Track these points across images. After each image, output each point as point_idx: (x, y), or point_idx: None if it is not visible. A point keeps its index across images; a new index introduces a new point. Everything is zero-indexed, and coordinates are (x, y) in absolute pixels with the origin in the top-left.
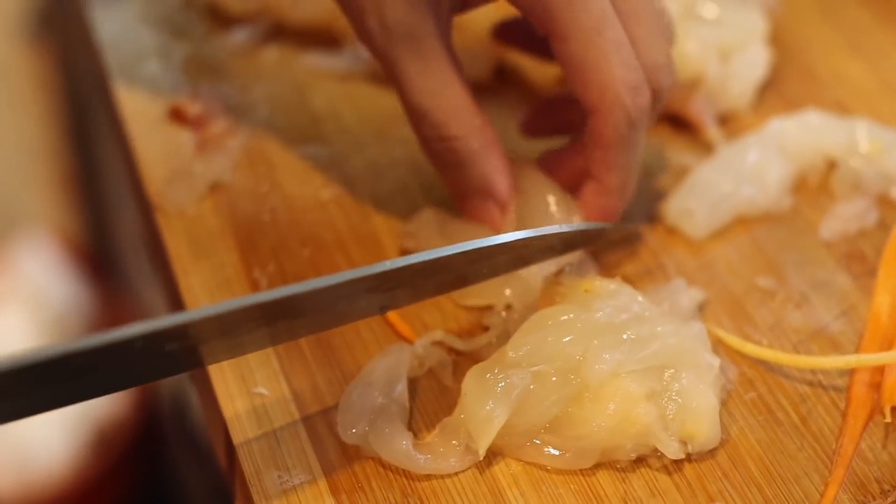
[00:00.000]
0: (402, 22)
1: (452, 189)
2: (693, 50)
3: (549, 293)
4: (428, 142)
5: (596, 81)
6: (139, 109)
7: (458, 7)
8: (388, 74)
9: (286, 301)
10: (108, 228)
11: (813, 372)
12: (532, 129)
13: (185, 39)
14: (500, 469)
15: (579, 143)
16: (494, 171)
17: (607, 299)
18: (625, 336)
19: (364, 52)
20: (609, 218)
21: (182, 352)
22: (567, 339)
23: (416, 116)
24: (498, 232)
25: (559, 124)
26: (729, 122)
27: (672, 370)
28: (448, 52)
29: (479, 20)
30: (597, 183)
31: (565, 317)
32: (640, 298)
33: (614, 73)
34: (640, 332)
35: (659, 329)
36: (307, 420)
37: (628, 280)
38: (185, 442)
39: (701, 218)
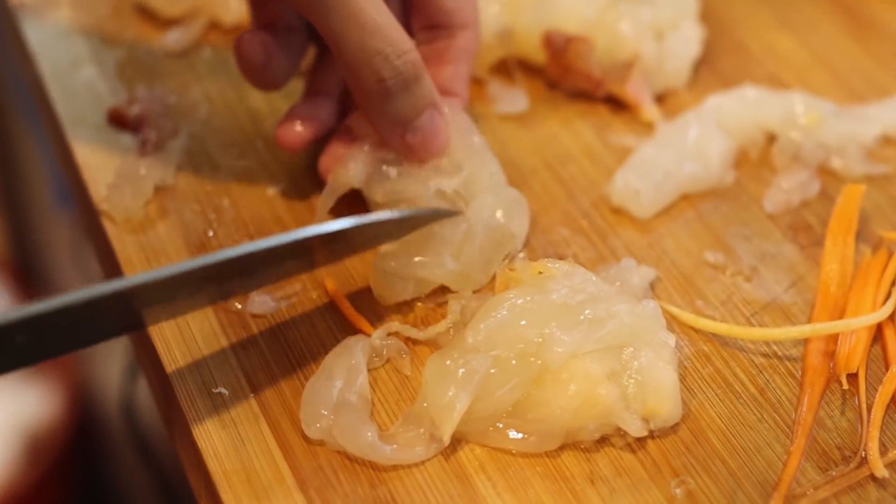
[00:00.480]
0: None
1: (406, 112)
2: (628, 30)
3: (504, 279)
4: (388, 60)
5: (461, 3)
6: (77, 116)
7: None
8: (331, 5)
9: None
10: (35, 240)
11: (767, 343)
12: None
13: (117, 45)
14: (465, 455)
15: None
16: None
17: (562, 280)
18: (581, 317)
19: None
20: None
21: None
22: (524, 321)
23: (376, 34)
24: (444, 145)
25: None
26: (666, 101)
27: (630, 349)
28: None
29: None
30: (455, 99)
31: (521, 300)
32: (594, 278)
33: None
34: (597, 311)
35: (615, 308)
36: (270, 417)
37: (578, 261)
38: (130, 446)
39: (647, 197)
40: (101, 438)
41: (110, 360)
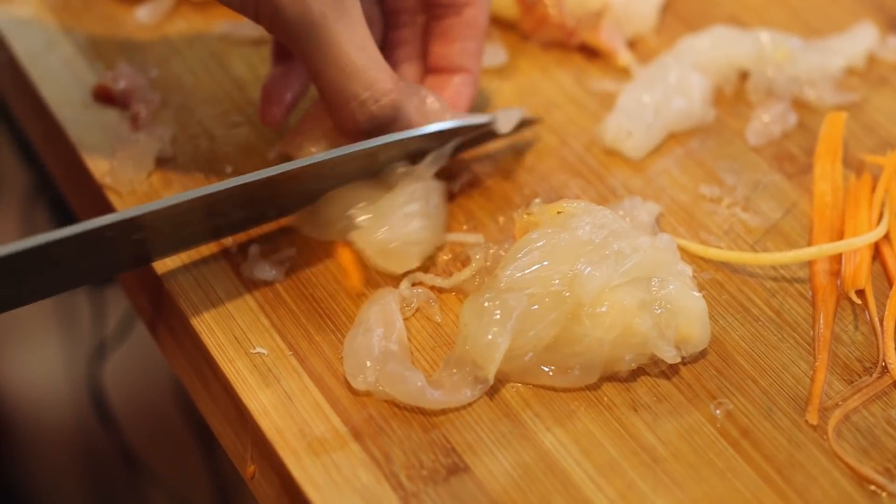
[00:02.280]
0: None
1: (361, 134)
2: None
3: (523, 224)
4: (369, 105)
5: None
6: (61, 96)
7: None
8: (313, 39)
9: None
10: None
11: (775, 268)
12: None
13: (88, 23)
14: (509, 394)
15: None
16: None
17: (583, 217)
18: (607, 251)
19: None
20: (471, 106)
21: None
22: (554, 259)
23: (350, 76)
24: None
25: None
26: (636, 46)
27: (657, 279)
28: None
29: None
30: (467, 74)
31: (548, 240)
32: (611, 214)
33: None
34: (621, 246)
35: (637, 242)
36: (312, 373)
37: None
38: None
39: (639, 137)
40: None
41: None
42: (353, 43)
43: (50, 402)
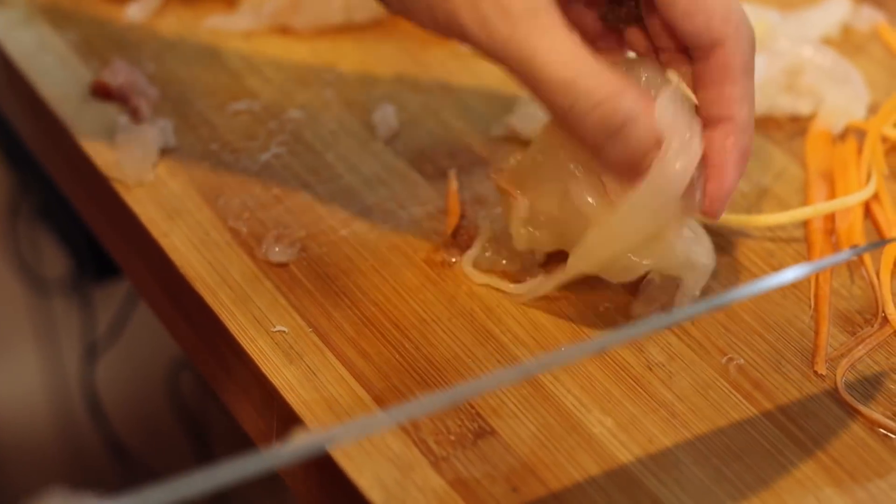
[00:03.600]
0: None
1: (624, 158)
2: None
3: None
4: (583, 117)
5: (719, 10)
6: (59, 93)
7: None
8: (513, 62)
9: None
10: None
11: (771, 229)
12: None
13: (78, 22)
14: (528, 361)
15: None
16: (654, 121)
17: None
18: None
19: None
20: (747, 157)
21: None
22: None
23: (562, 93)
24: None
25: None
26: None
27: None
28: (568, 23)
29: None
30: (729, 123)
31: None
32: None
33: (733, 3)
34: None
35: None
36: (333, 348)
37: None
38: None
39: None
40: None
41: None
42: (561, 60)
43: (39, 405)
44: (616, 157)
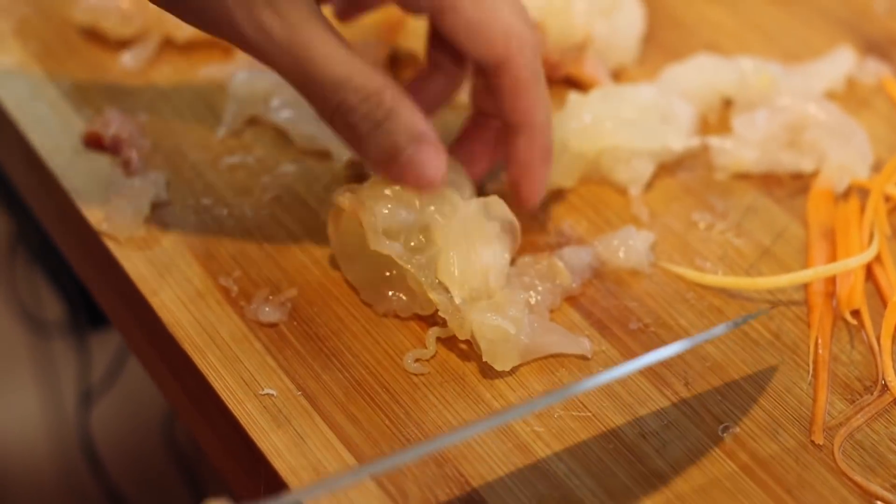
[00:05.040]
0: (295, 6)
1: (384, 149)
2: (579, 12)
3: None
4: (353, 110)
5: (499, 31)
6: (51, 143)
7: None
8: (290, 63)
9: None
10: None
11: (771, 292)
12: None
13: (72, 70)
14: (520, 427)
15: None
16: (417, 113)
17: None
18: None
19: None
20: (550, 159)
21: None
22: None
23: (337, 88)
24: (433, 178)
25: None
26: (620, 77)
27: None
28: (337, 31)
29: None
30: (529, 128)
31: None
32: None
33: (511, 18)
34: None
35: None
36: (322, 411)
37: (575, 233)
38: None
39: (637, 167)
40: None
41: None
42: (337, 58)
43: (34, 449)
44: (378, 149)
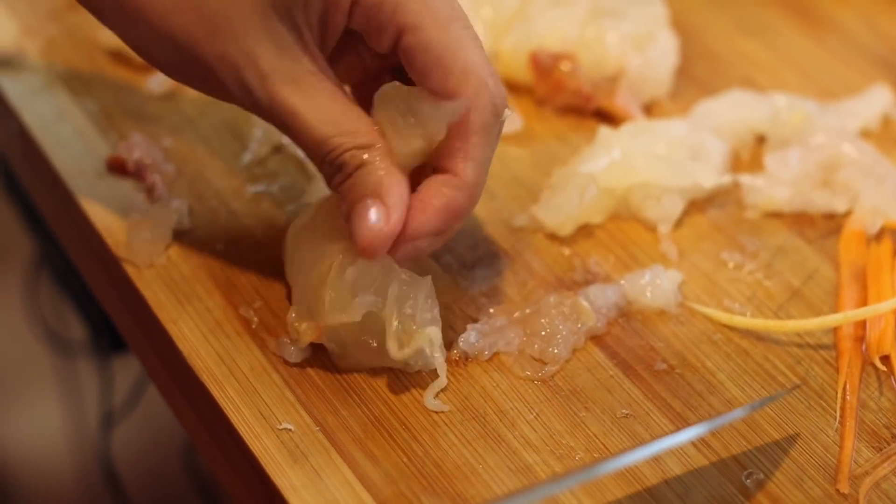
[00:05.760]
0: (280, 67)
1: (348, 201)
2: (613, 44)
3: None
4: (334, 162)
5: (459, 66)
6: (74, 167)
7: (325, 41)
8: (279, 122)
9: None
10: None
11: (799, 335)
12: None
13: (97, 92)
14: (538, 468)
15: None
16: (389, 172)
17: None
18: None
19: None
20: (457, 217)
21: None
22: None
23: (319, 147)
24: (371, 246)
25: None
26: (651, 111)
27: None
28: (330, 80)
29: None
30: (450, 176)
31: None
32: None
33: (475, 57)
34: None
35: None
36: (340, 448)
37: (602, 270)
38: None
39: (667, 204)
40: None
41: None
42: (321, 119)
43: (56, 469)
44: (353, 192)
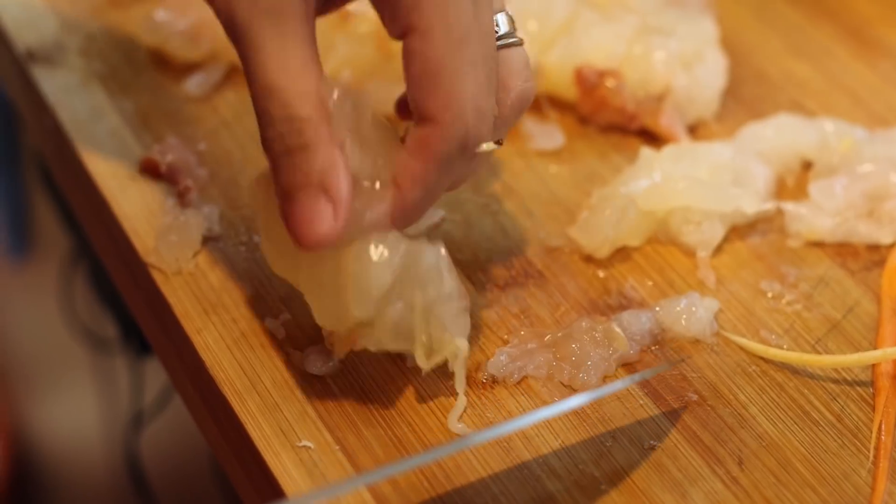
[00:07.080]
0: (277, 3)
1: (283, 182)
2: (660, 63)
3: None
4: (273, 122)
5: (445, 89)
6: (107, 167)
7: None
8: (240, 46)
9: None
10: None
11: (836, 370)
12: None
13: (135, 93)
14: (553, 486)
15: None
16: (337, 163)
17: None
18: None
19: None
20: (396, 225)
21: None
22: None
23: (266, 93)
24: (311, 238)
25: None
26: (697, 132)
27: None
28: (311, 39)
29: None
30: (396, 191)
31: None
32: None
33: (467, 87)
34: None
35: None
36: (359, 468)
37: (638, 295)
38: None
39: (707, 229)
40: (38, 489)
41: (47, 406)
42: (281, 66)
43: (86, 461)
44: (279, 178)
